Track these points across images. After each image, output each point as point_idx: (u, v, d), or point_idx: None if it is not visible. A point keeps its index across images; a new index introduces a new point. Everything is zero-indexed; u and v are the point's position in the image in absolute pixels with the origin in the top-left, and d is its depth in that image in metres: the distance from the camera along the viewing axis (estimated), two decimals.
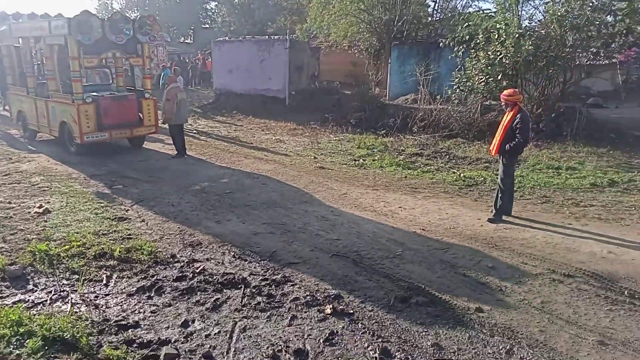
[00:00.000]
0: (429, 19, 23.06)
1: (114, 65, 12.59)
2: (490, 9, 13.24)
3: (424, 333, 4.18)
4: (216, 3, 44.98)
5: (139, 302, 4.66)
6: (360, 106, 15.48)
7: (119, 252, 5.64)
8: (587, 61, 12.88)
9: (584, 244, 6.11)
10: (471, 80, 12.70)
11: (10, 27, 11.87)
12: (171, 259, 5.60)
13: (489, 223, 6.88)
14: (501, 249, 5.97)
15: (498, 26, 12.13)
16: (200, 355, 3.83)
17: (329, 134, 14.11)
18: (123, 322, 4.26)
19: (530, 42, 11.58)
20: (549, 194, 8.19)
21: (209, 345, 3.97)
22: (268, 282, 5.07)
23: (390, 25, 19.83)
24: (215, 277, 5.12)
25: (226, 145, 12.81)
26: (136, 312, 4.48)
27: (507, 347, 3.97)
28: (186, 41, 46.62)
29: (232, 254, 5.79)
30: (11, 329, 3.93)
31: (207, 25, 47.05)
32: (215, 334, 4.14)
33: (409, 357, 3.85)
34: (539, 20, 13.46)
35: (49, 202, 7.55)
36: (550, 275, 5.25)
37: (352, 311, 4.51)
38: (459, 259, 5.69)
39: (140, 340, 4.01)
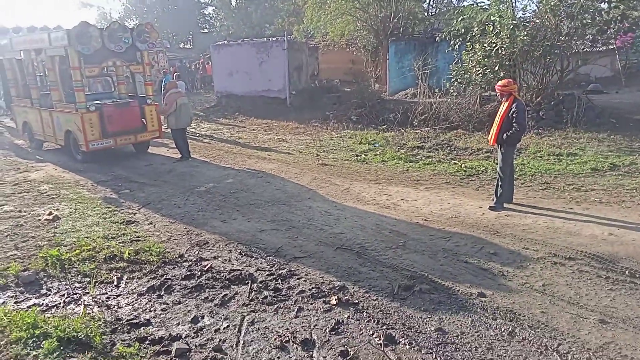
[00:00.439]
0: (425, 14, 23.13)
1: (115, 74, 12.76)
2: (484, 2, 13.29)
3: (427, 319, 4.28)
4: (214, 7, 45.17)
5: (150, 301, 4.78)
6: (360, 103, 15.57)
7: (128, 254, 5.77)
8: (584, 48, 12.90)
9: (585, 227, 6.19)
10: (469, 73, 12.79)
11: (11, 40, 12.07)
12: (179, 259, 5.73)
13: (490, 211, 6.97)
14: (503, 236, 6.06)
15: (492, 18, 12.21)
16: (210, 349, 3.95)
17: (331, 131, 14.22)
18: (135, 321, 4.38)
19: (525, 33, 11.64)
20: (550, 180, 8.26)
21: (218, 339, 4.08)
22: (274, 276, 5.18)
23: (386, 21, 19.93)
24: (222, 274, 5.24)
25: (229, 147, 12.95)
26: (147, 310, 4.60)
27: (510, 329, 4.07)
28: (186, 46, 46.87)
29: (239, 251, 5.91)
30: (27, 331, 4.06)
31: (206, 30, 47.30)
32: (224, 328, 4.26)
33: (413, 342, 3.95)
34: (533, 11, 13.50)
35: (58, 209, 7.71)
36: (551, 259, 5.33)
37: (357, 301, 4.62)
38: (461, 246, 5.79)
39: (152, 337, 4.13)
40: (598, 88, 16.99)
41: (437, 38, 15.06)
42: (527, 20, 12.90)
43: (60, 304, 4.76)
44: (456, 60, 13.53)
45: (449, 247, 5.79)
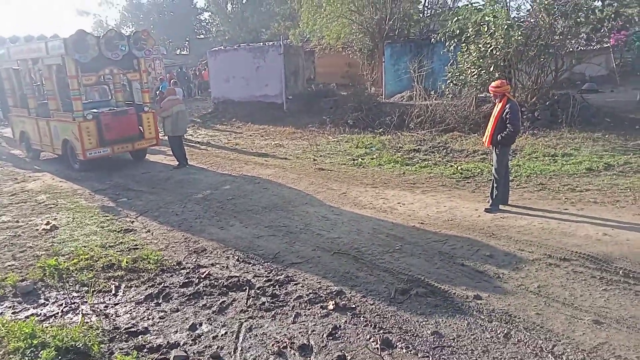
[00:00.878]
0: (420, 15, 23.23)
1: (112, 82, 12.79)
2: (478, 2, 13.30)
3: (424, 322, 4.31)
4: (210, 13, 45.33)
5: (148, 309, 4.81)
6: (357, 106, 15.61)
7: (126, 262, 5.80)
8: (578, 47, 12.96)
9: (580, 227, 6.23)
10: (464, 74, 12.83)
11: (9, 50, 12.10)
12: (177, 266, 5.76)
13: (486, 213, 7.01)
14: (498, 238, 6.09)
15: (487, 18, 12.25)
16: (208, 356, 3.98)
17: (327, 135, 14.26)
18: (133, 329, 4.41)
19: (519, 33, 11.69)
20: (545, 181, 8.30)
21: (216, 346, 4.11)
22: (272, 282, 5.21)
23: (381, 24, 20.02)
24: (220, 281, 5.27)
25: (227, 153, 12.99)
26: (145, 318, 4.63)
27: (505, 331, 4.10)
28: (182, 52, 47.00)
29: (236, 257, 5.94)
30: (25, 341, 4.08)
31: (202, 36, 47.45)
32: (222, 335, 4.28)
33: (410, 346, 3.98)
34: (527, 10, 13.58)
35: (55, 218, 7.74)
36: (546, 260, 5.37)
37: (354, 306, 4.65)
38: (457, 249, 5.82)
39: (150, 345, 4.16)
40: (593, 87, 17.06)
41: (433, 40, 15.11)
42: (522, 19, 12.97)
43: (58, 313, 4.79)
44: (451, 61, 13.58)
45: (445, 250, 5.83)
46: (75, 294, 5.17)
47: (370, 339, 4.10)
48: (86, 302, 4.97)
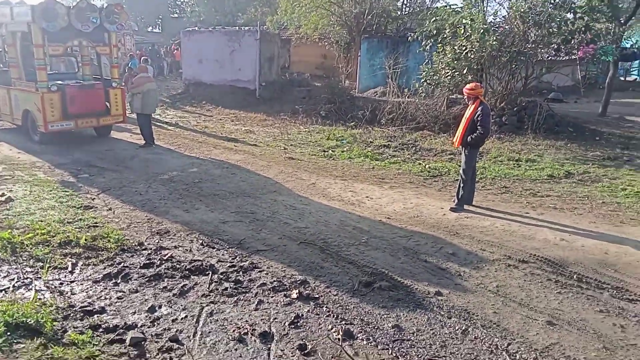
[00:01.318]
0: (398, 12, 23.33)
1: (80, 54, 12.33)
2: (457, 4, 13.52)
3: (385, 315, 4.36)
4: None
5: (105, 288, 4.68)
6: (330, 98, 15.59)
7: (85, 240, 5.62)
8: (548, 57, 13.32)
9: (539, 231, 6.42)
10: (438, 74, 13.00)
11: None
12: (138, 247, 5.62)
13: (451, 212, 7.14)
14: (462, 237, 6.22)
15: (464, 21, 12.42)
16: (166, 339, 3.90)
17: (299, 125, 14.19)
18: (88, 308, 4.28)
19: (494, 38, 11.91)
20: (508, 185, 8.52)
21: (175, 329, 4.04)
22: (236, 268, 5.16)
23: (360, 18, 20.00)
24: (183, 264, 5.18)
25: (195, 136, 12.75)
26: (102, 298, 4.50)
27: (463, 328, 4.19)
28: (154, 30, 45.77)
29: (200, 241, 5.85)
30: None
31: (176, 15, 46.27)
32: (182, 318, 4.21)
33: (370, 337, 4.02)
34: (503, 16, 13.85)
35: (11, 190, 7.41)
36: (506, 261, 5.51)
37: (317, 296, 4.65)
38: (422, 246, 5.91)
39: (106, 325, 4.04)
40: (559, 97, 17.62)
41: (409, 38, 15.22)
42: (497, 25, 13.22)
43: (9, 288, 4.59)
44: (427, 61, 13.72)
45: (409, 245, 5.90)
46: (29, 269, 4.97)
47: (332, 329, 4.11)
48: (40, 278, 4.80)
